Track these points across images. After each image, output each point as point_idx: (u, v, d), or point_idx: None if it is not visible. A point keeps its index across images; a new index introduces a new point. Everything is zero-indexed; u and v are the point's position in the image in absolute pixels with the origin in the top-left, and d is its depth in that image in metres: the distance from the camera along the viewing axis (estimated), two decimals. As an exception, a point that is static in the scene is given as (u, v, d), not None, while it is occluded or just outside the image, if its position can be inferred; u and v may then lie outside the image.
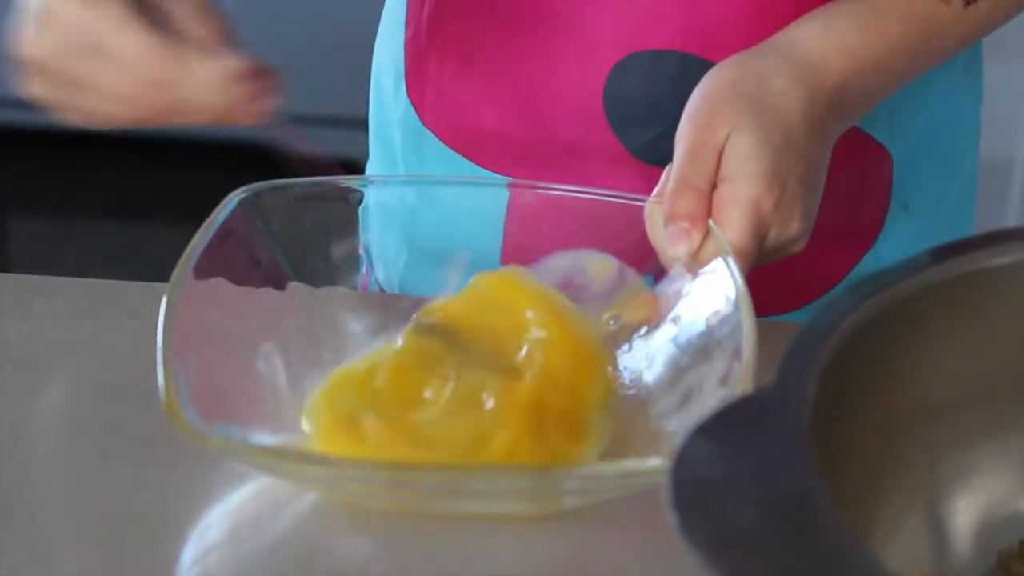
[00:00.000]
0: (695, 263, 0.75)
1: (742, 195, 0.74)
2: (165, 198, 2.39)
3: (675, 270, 0.76)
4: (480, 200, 0.85)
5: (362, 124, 1.04)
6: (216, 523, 0.70)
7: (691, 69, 0.86)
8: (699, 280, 0.75)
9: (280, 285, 0.79)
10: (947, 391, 0.63)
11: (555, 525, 0.71)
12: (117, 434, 0.75)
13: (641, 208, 0.79)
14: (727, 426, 0.53)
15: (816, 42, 0.80)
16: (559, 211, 0.82)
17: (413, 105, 0.96)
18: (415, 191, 0.88)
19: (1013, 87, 2.12)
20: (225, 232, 0.77)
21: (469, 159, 0.94)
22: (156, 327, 0.70)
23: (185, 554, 0.69)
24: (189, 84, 0.71)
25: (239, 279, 0.77)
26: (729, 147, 0.76)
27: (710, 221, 0.75)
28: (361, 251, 0.83)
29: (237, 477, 0.72)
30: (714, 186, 0.76)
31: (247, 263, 0.79)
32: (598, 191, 0.82)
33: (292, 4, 2.44)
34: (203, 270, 0.74)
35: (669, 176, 0.77)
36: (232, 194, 0.79)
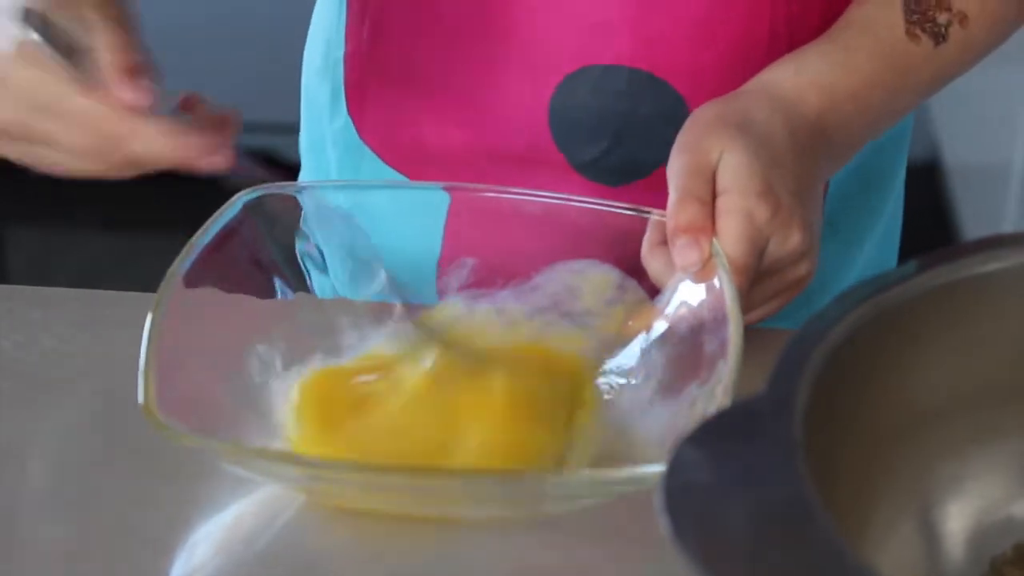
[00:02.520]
0: (699, 275, 0.75)
1: (735, 206, 0.75)
2: (163, 209, 2.39)
3: (672, 282, 0.77)
4: (417, 209, 0.86)
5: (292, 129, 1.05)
6: (208, 535, 0.71)
7: (639, 84, 0.87)
8: (694, 292, 0.75)
9: (278, 287, 0.80)
10: (939, 397, 0.63)
11: (550, 529, 0.71)
12: (111, 445, 0.75)
13: (579, 209, 0.81)
14: (718, 434, 0.53)
15: (791, 80, 0.82)
16: (498, 216, 0.83)
17: (353, 121, 0.96)
18: (350, 201, 0.89)
19: (1010, 92, 2.12)
20: (228, 232, 0.78)
21: (408, 177, 0.94)
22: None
23: (176, 566, 0.69)
24: (139, 138, 0.73)
25: (238, 278, 0.78)
26: (722, 165, 0.77)
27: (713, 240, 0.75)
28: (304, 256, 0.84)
29: (230, 489, 0.72)
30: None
31: (247, 263, 0.79)
32: (537, 192, 0.82)
33: (241, 12, 2.46)
34: (202, 268, 0.75)
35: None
36: (238, 195, 0.80)
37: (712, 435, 0.53)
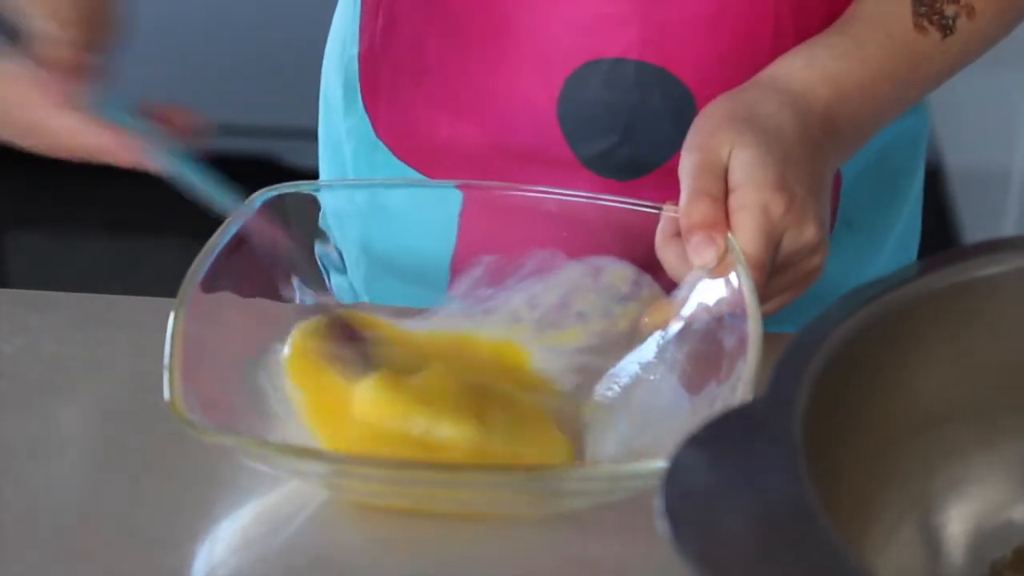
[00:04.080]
0: (715, 271, 0.75)
1: (750, 201, 0.75)
2: (165, 213, 2.39)
3: (689, 277, 0.77)
4: (431, 207, 0.86)
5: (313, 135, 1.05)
6: (214, 538, 0.70)
7: (647, 77, 0.88)
8: (710, 287, 0.76)
9: (296, 288, 0.80)
10: (940, 400, 0.63)
11: (559, 527, 0.71)
12: (112, 448, 0.75)
13: (593, 206, 0.81)
14: (719, 437, 0.53)
15: (799, 72, 0.82)
16: (511, 214, 0.83)
17: (368, 117, 0.96)
18: (366, 199, 0.89)
19: (1010, 96, 2.12)
20: (246, 231, 0.78)
21: (421, 172, 0.94)
22: (152, 341, 0.70)
23: (184, 567, 0.69)
24: (53, 128, 0.77)
25: (256, 278, 0.78)
26: (733, 161, 0.77)
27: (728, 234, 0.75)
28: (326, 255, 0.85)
29: (234, 491, 0.73)
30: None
31: (265, 263, 0.79)
32: (550, 190, 0.83)
33: (238, 16, 2.46)
34: (221, 268, 0.75)
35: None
36: (256, 193, 0.80)
37: (713, 437, 0.53)
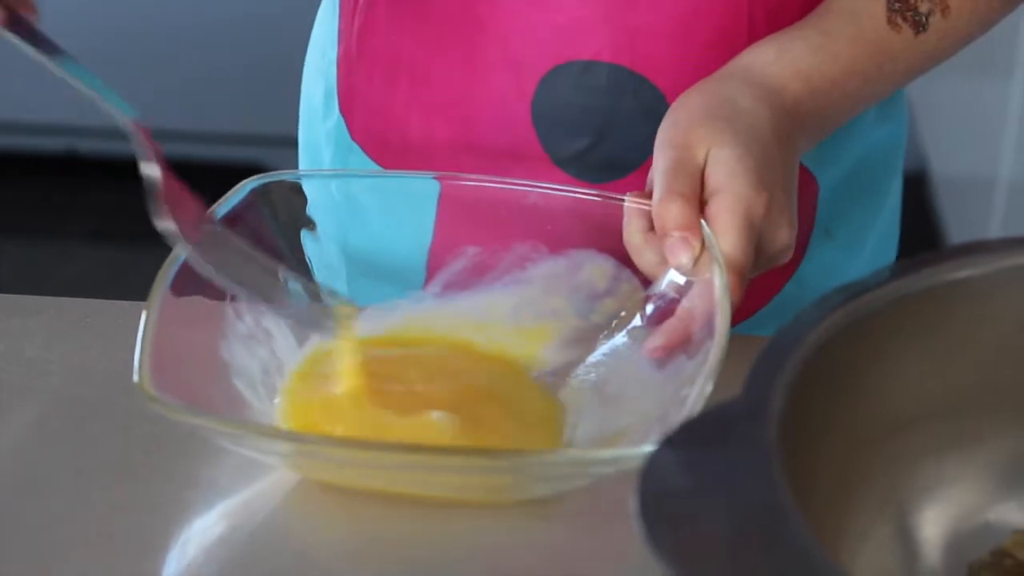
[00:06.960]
0: (692, 270, 0.75)
1: (733, 205, 0.75)
2: (152, 222, 2.38)
3: (666, 275, 0.77)
4: (407, 202, 0.87)
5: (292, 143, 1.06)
6: (193, 540, 0.71)
7: (619, 81, 0.88)
8: (685, 280, 0.76)
9: (282, 275, 0.80)
10: (915, 402, 0.63)
11: (536, 516, 0.71)
12: (92, 453, 0.75)
13: (567, 198, 0.82)
14: (694, 438, 0.53)
15: (772, 66, 0.82)
16: (488, 209, 0.83)
17: (344, 119, 0.96)
18: (343, 195, 0.89)
19: (995, 104, 2.13)
20: (233, 216, 0.79)
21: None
22: (132, 346, 0.70)
23: (166, 566, 0.69)
24: None
25: (241, 267, 0.79)
26: (712, 162, 0.77)
27: (703, 225, 0.75)
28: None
29: (214, 492, 0.73)
30: (701, 200, 0.77)
31: (250, 249, 0.80)
32: (526, 182, 0.83)
33: (222, 24, 2.47)
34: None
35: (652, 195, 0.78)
36: (245, 180, 0.81)
37: (688, 439, 0.53)
